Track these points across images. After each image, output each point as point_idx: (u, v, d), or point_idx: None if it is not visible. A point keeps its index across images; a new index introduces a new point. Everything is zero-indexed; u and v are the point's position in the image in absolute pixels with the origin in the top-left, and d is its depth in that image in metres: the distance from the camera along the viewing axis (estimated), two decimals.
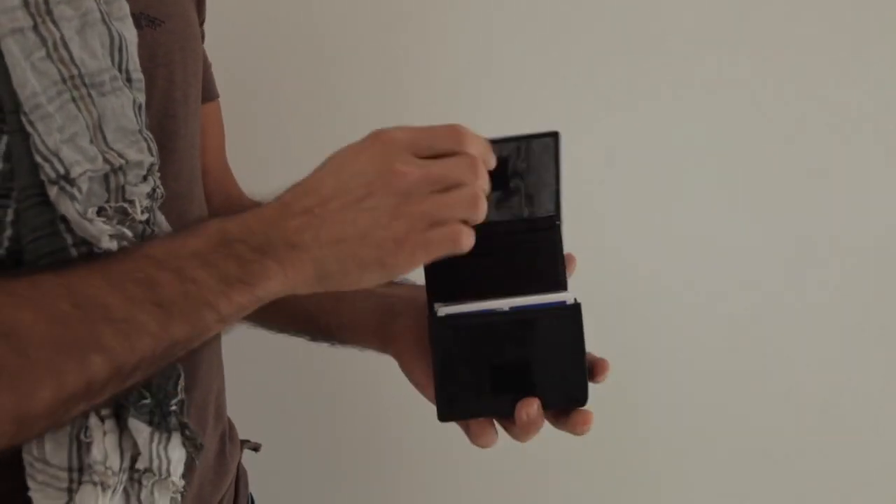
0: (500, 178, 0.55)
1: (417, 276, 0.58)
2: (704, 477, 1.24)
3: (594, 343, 0.57)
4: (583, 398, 0.56)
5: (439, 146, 0.50)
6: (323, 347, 0.75)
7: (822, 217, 1.16)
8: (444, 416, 0.56)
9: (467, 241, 0.50)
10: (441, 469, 1.23)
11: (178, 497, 0.60)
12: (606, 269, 1.14)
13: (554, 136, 0.55)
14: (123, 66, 0.55)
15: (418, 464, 1.23)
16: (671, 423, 1.22)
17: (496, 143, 0.54)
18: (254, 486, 0.84)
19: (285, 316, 0.74)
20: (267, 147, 1.13)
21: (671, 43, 1.12)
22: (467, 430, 0.57)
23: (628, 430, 1.21)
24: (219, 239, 0.49)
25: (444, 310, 0.54)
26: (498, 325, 0.54)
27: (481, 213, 0.50)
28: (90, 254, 0.50)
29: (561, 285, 0.57)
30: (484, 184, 0.51)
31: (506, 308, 0.53)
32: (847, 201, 1.15)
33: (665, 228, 1.17)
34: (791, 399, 1.20)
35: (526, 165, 0.56)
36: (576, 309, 0.54)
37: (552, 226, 0.58)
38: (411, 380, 0.62)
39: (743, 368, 1.20)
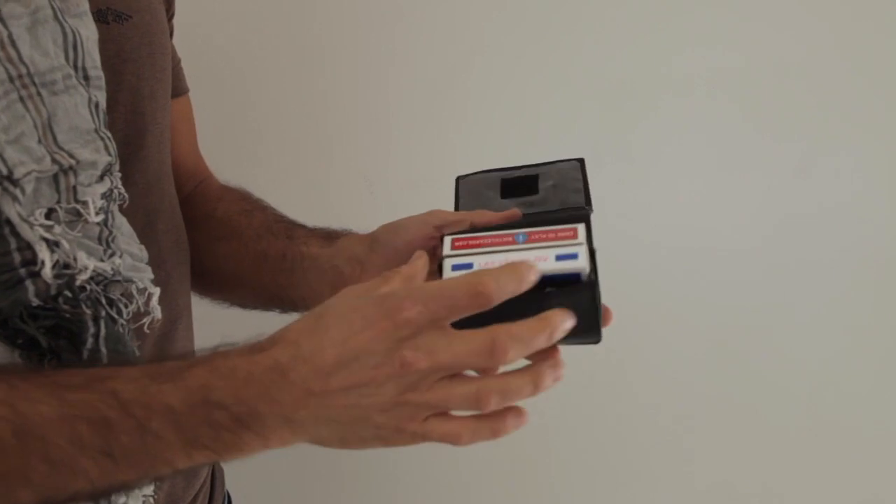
0: (532, 187, 0.64)
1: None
2: (703, 475, 1.23)
3: None
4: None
5: (457, 316, 0.46)
6: None
7: (820, 215, 1.14)
8: None
9: (466, 437, 0.47)
10: (422, 467, 1.23)
11: (151, 500, 0.60)
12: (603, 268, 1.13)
13: (580, 160, 0.65)
14: (79, 64, 0.54)
15: (398, 461, 1.22)
16: (669, 420, 1.21)
17: (525, 167, 0.64)
18: (231, 485, 0.84)
19: (250, 292, 0.74)
20: (241, 138, 1.12)
21: (666, 41, 1.11)
22: None
23: (625, 428, 1.21)
24: (200, 398, 0.45)
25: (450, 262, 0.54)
26: None
27: (485, 409, 0.46)
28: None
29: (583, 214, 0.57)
30: (495, 380, 0.47)
31: None
32: (846, 200, 1.13)
33: (660, 227, 1.15)
34: (792, 399, 1.19)
35: (556, 179, 0.64)
36: (591, 285, 0.51)
37: (584, 213, 0.59)
38: None
39: (741, 367, 1.19)
